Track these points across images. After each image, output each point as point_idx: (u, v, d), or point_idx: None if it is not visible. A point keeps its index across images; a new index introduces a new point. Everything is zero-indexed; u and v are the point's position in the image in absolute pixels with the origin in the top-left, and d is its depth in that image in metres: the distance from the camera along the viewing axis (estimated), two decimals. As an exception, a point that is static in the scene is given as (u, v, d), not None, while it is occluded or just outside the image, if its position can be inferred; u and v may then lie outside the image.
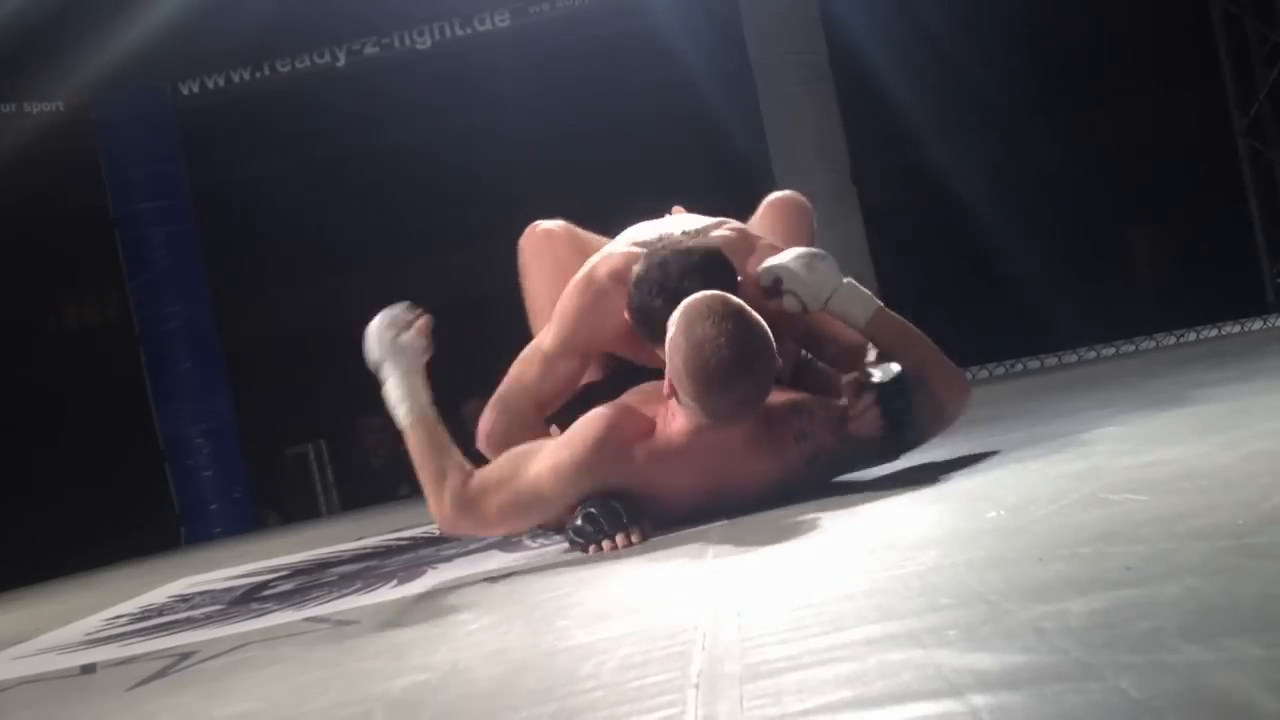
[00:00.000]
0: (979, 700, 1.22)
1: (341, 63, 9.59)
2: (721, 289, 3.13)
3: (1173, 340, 7.34)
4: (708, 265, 3.31)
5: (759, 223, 3.87)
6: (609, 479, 3.16)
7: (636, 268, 3.38)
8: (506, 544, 3.78)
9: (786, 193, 4.08)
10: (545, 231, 3.95)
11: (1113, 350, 7.43)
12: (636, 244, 3.60)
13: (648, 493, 3.17)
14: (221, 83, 9.55)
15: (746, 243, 3.58)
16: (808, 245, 3.52)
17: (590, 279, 3.56)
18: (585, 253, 3.77)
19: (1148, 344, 7.27)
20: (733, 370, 2.96)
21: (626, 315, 3.40)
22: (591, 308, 3.53)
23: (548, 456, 3.19)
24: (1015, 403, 4.86)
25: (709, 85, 9.48)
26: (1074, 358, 7.72)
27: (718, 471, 3.16)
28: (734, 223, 3.72)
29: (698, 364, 2.96)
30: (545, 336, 3.61)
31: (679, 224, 3.72)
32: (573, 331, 3.55)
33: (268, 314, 11.50)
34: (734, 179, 8.36)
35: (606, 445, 3.15)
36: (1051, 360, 7.77)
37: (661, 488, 3.18)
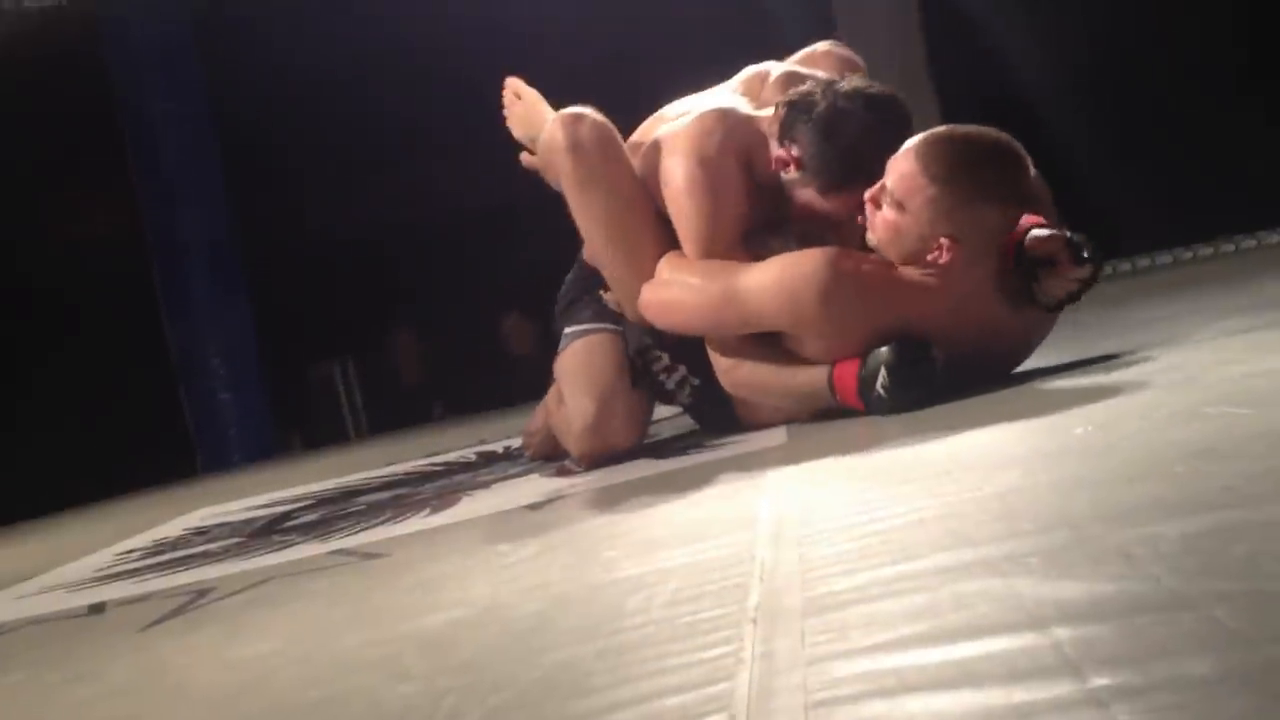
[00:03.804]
0: (1062, 633, 1.22)
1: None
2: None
3: (1276, 239, 7.23)
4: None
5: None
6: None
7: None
8: (547, 468, 3.80)
9: (829, 45, 4.01)
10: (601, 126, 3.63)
11: (1210, 250, 7.33)
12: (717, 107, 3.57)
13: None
14: (238, -36, 9.51)
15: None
16: None
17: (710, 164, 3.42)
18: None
19: (1249, 243, 7.16)
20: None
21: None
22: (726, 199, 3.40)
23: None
24: (1101, 308, 4.81)
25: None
26: (1168, 258, 7.61)
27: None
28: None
29: (987, 146, 3.26)
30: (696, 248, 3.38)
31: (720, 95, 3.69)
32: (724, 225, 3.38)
33: (290, 221, 11.44)
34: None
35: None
36: (1144, 261, 7.67)
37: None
